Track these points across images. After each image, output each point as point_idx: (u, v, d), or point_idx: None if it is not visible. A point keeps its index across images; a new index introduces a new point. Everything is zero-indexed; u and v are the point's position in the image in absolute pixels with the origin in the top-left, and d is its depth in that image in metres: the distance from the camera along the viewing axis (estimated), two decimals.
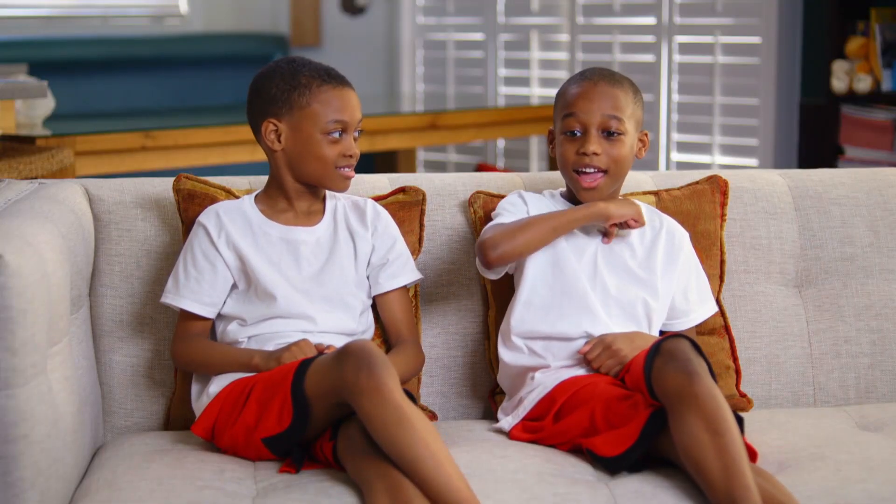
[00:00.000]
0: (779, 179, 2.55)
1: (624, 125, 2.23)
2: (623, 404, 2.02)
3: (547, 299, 2.23)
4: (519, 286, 2.25)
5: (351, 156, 2.21)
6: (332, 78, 2.22)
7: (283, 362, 2.06)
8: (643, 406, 1.99)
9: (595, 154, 2.21)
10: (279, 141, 2.21)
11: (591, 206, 2.23)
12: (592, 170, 2.23)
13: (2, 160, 3.26)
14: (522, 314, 2.23)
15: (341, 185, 2.23)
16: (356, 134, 2.23)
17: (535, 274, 2.24)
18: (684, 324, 2.30)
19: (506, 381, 2.28)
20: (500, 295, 2.35)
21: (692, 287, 2.31)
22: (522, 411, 2.17)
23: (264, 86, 2.22)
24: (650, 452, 1.98)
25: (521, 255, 2.22)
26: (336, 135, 2.20)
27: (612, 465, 1.98)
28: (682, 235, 2.33)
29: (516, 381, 2.24)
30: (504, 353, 2.26)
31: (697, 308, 2.31)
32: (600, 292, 2.23)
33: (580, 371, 2.19)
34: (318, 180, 2.22)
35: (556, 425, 2.10)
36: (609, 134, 2.23)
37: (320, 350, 2.10)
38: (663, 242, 2.29)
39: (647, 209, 2.33)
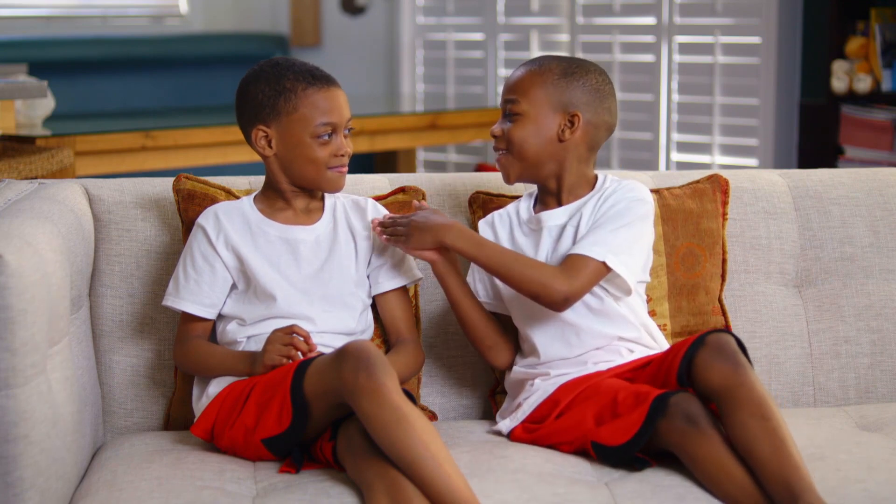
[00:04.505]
0: (779, 179, 2.55)
1: (520, 106, 2.23)
2: (628, 396, 2.03)
3: (525, 336, 2.23)
4: None
5: (343, 154, 2.20)
6: (317, 79, 2.19)
7: (270, 363, 2.06)
8: (647, 394, 2.01)
9: (494, 136, 2.25)
10: (270, 147, 2.20)
11: None
12: (499, 151, 2.25)
13: (2, 160, 3.26)
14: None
15: (335, 185, 2.22)
16: (346, 132, 2.22)
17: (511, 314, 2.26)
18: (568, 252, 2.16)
19: (509, 385, 2.28)
20: None
21: (595, 230, 2.15)
22: (521, 415, 2.17)
23: (250, 91, 2.20)
24: (652, 443, 1.98)
25: None
26: (326, 137, 2.19)
27: (618, 454, 1.98)
28: (624, 195, 2.18)
29: (516, 387, 2.24)
30: (507, 372, 2.28)
31: (585, 248, 2.13)
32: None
33: (580, 373, 2.18)
34: (312, 182, 2.22)
35: (558, 421, 2.10)
36: (506, 115, 2.25)
37: (297, 342, 2.07)
38: (601, 215, 2.18)
39: (612, 180, 2.23)
